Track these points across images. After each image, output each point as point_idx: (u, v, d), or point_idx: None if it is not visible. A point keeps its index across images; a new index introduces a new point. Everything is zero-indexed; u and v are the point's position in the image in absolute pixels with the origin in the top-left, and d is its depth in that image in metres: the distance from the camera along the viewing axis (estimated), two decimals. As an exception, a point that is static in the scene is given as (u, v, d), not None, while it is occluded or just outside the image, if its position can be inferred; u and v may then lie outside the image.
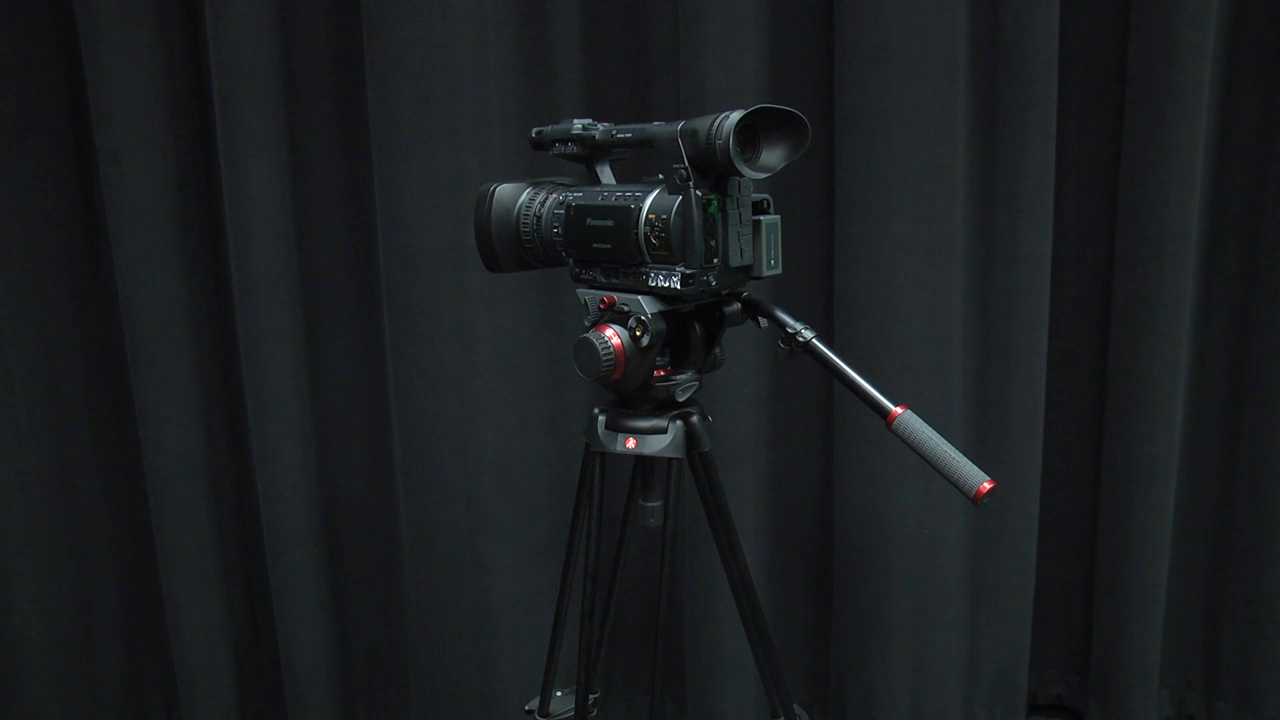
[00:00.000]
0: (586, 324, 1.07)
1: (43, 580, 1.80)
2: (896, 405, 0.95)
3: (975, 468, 0.92)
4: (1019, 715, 1.88)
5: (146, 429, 1.74)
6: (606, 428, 1.11)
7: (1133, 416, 1.71)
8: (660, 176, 0.99)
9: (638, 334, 1.02)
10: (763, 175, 0.96)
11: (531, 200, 1.12)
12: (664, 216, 0.97)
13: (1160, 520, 1.73)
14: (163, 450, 1.75)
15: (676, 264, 0.98)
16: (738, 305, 1.06)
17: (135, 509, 1.84)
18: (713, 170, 0.95)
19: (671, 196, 0.97)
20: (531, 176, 1.18)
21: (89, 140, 1.67)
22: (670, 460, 1.10)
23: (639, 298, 1.02)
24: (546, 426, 1.76)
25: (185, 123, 1.69)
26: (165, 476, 1.76)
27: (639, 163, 1.07)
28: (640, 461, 1.13)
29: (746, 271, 1.01)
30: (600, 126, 1.08)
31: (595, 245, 1.04)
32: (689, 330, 1.07)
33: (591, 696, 1.22)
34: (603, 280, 1.07)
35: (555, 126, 1.10)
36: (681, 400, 1.09)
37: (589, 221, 1.04)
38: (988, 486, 0.90)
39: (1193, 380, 1.75)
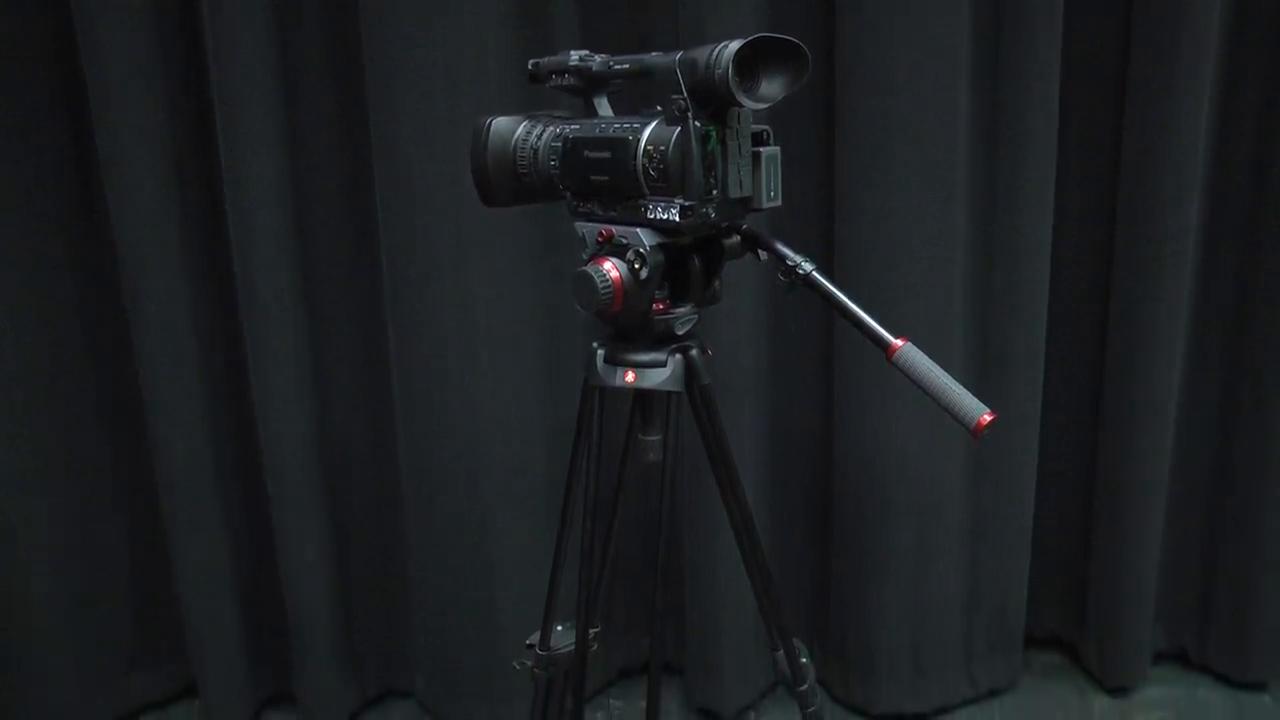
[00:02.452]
0: (584, 258, 1.05)
1: (53, 569, 1.81)
2: (897, 338, 0.94)
3: (976, 400, 0.91)
4: (1016, 649, 1.90)
5: (154, 426, 1.75)
6: (605, 362, 1.10)
7: (1132, 415, 1.72)
8: (659, 108, 0.98)
9: (636, 267, 1.01)
10: (762, 106, 0.95)
11: (528, 133, 1.11)
12: (662, 148, 0.96)
13: (1157, 468, 1.74)
14: (169, 447, 1.75)
15: (675, 196, 0.96)
16: (737, 238, 1.04)
17: (144, 505, 1.85)
18: (712, 101, 0.94)
19: (670, 128, 0.95)
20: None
21: (89, 140, 1.64)
22: (669, 394, 1.09)
23: (637, 230, 1.01)
24: (546, 394, 1.76)
25: (185, 123, 1.66)
26: (173, 471, 1.77)
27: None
28: (639, 395, 1.13)
29: (746, 204, 1.00)
30: (597, 58, 1.06)
31: (593, 178, 1.03)
32: (688, 263, 1.06)
33: (592, 631, 1.23)
34: (600, 213, 1.06)
35: (552, 58, 1.08)
36: (681, 334, 1.08)
37: (586, 154, 1.03)
38: (988, 419, 0.90)
39: (1190, 380, 1.76)
